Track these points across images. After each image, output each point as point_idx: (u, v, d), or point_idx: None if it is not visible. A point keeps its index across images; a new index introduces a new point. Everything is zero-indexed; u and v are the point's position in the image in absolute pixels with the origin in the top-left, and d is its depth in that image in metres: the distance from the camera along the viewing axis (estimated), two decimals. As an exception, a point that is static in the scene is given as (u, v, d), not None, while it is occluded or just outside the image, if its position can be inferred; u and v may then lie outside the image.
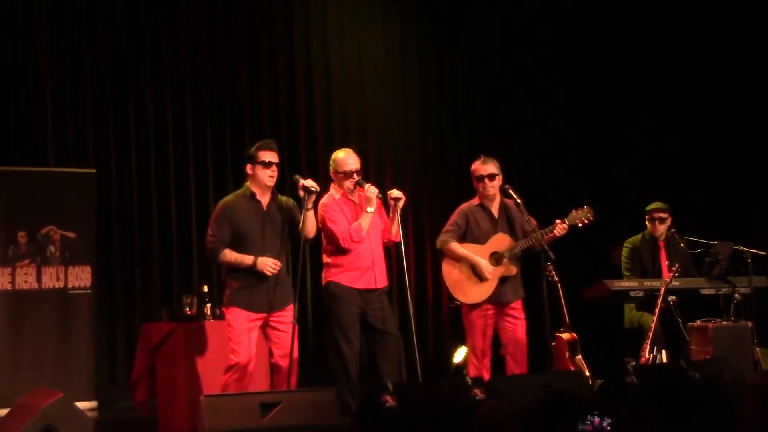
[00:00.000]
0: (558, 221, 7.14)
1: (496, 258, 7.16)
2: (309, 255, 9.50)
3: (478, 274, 7.13)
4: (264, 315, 6.50)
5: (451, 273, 7.22)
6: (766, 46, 9.68)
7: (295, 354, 6.45)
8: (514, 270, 7.18)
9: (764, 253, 7.93)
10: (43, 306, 8.57)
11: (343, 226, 6.90)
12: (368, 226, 6.91)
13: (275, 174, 6.59)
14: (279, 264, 6.48)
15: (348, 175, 6.97)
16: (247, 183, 6.64)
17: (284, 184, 7.37)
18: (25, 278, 8.52)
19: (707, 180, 9.94)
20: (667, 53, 10.29)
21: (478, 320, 7.14)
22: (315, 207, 6.70)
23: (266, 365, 6.81)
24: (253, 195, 6.58)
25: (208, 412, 5.40)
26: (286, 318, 6.52)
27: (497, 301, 7.15)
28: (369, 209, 6.90)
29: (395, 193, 6.89)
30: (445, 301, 10.31)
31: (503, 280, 7.15)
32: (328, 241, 7.01)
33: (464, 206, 7.34)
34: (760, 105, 9.74)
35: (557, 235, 7.10)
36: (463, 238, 7.23)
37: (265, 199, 6.61)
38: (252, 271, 6.45)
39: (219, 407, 5.46)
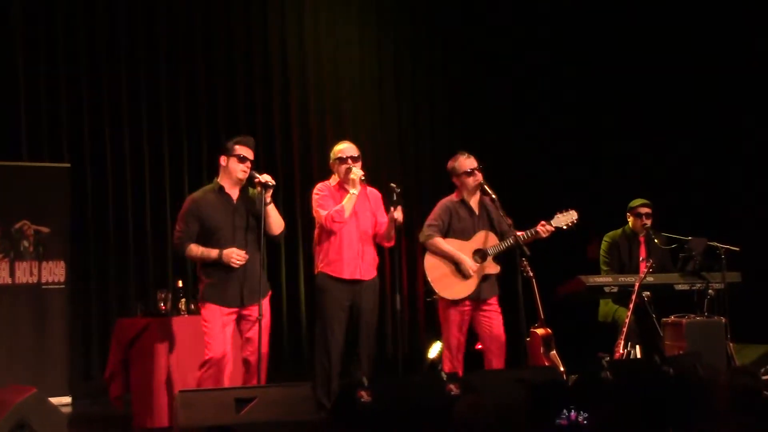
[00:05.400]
0: (542, 222, 7.13)
1: (480, 255, 7.14)
2: (284, 249, 9.52)
3: (461, 271, 7.13)
4: (237, 309, 6.47)
5: (434, 268, 7.18)
6: (736, 51, 9.75)
7: (265, 349, 6.44)
8: (497, 268, 7.18)
9: (738, 249, 7.97)
10: (17, 301, 8.52)
11: (328, 208, 6.96)
12: (352, 209, 6.92)
13: (248, 170, 6.54)
14: (244, 254, 6.41)
15: (342, 160, 7.02)
16: (218, 177, 6.61)
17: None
18: (-2, 273, 8.48)
19: (682, 176, 10.00)
20: (644, 55, 10.33)
21: (456, 316, 7.13)
22: (273, 201, 6.60)
23: (241, 360, 6.78)
24: (221, 189, 6.55)
25: (182, 408, 5.38)
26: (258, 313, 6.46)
27: (476, 297, 7.15)
28: (352, 191, 6.92)
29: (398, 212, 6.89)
30: (421, 296, 10.32)
31: (484, 278, 7.15)
32: (318, 229, 7.09)
33: (446, 201, 7.33)
34: (735, 104, 9.80)
35: (542, 236, 7.10)
36: (445, 234, 7.24)
37: (234, 192, 6.57)
38: (222, 266, 6.41)
39: (194, 402, 5.44)
